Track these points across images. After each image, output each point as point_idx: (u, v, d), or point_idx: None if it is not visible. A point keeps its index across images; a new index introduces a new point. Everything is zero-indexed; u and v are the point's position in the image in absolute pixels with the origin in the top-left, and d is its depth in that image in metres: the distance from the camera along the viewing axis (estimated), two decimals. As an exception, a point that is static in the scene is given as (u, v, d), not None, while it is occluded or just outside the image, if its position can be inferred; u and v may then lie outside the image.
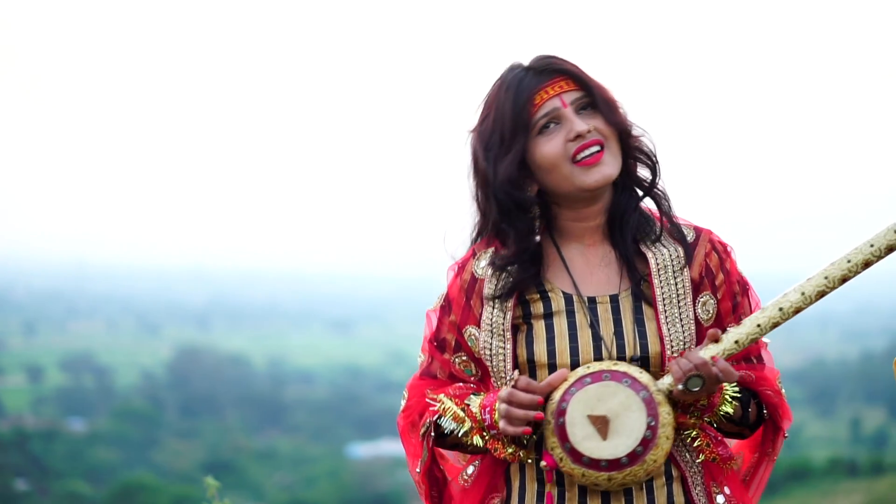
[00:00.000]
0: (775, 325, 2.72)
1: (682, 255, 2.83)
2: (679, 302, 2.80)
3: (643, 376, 2.71)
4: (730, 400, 2.78)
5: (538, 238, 2.89)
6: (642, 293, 2.83)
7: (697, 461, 2.81)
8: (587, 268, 2.88)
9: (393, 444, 58.35)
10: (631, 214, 2.86)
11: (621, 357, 2.77)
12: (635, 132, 2.87)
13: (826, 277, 2.71)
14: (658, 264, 2.82)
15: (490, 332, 2.86)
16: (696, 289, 2.82)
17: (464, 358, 2.93)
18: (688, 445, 2.81)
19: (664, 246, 2.85)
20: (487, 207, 2.88)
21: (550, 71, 2.84)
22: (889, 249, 2.71)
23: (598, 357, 2.78)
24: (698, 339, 2.80)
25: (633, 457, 2.67)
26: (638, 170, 2.90)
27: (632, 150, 2.86)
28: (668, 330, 2.78)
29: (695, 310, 2.81)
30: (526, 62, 2.88)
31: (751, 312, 2.85)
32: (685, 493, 2.81)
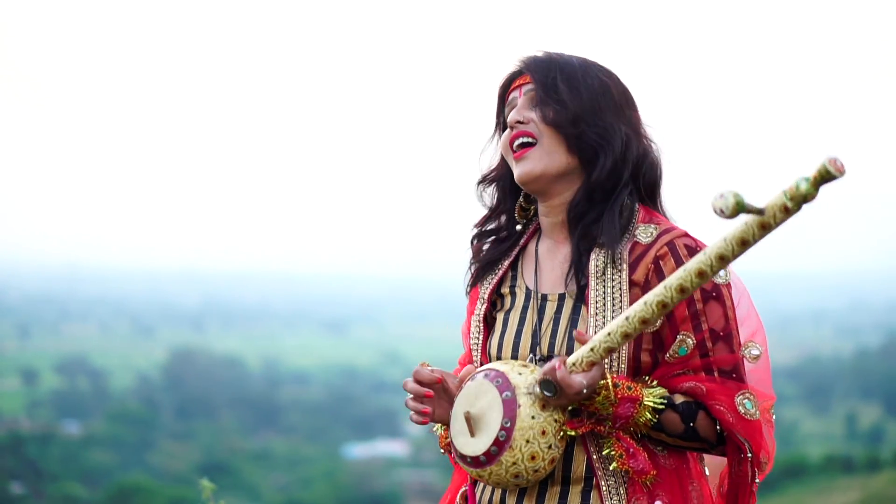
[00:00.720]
0: (625, 335, 2.61)
1: (624, 256, 2.79)
2: (612, 305, 2.77)
3: (520, 378, 2.71)
4: (650, 410, 2.70)
5: (518, 227, 2.98)
6: (584, 294, 2.81)
7: (611, 468, 2.74)
8: (551, 265, 2.90)
9: (388, 445, 58.39)
10: (586, 212, 2.84)
11: (551, 353, 2.79)
12: (609, 131, 2.82)
13: (665, 287, 2.57)
14: (597, 266, 2.80)
15: (474, 323, 2.99)
16: (643, 290, 2.75)
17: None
18: (600, 454, 2.75)
19: (615, 246, 2.80)
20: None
21: (521, 68, 2.92)
22: (743, 244, 2.52)
23: (532, 352, 2.83)
24: (634, 343, 2.76)
25: (490, 456, 2.70)
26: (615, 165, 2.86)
27: (585, 145, 2.83)
28: (596, 332, 2.74)
29: None
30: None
31: (723, 320, 2.78)
32: (601, 502, 2.76)
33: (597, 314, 2.76)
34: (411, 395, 2.86)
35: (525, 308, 2.89)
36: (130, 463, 52.59)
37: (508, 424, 2.67)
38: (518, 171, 2.84)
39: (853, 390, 70.81)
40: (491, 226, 3.00)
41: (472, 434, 2.72)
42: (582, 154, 2.83)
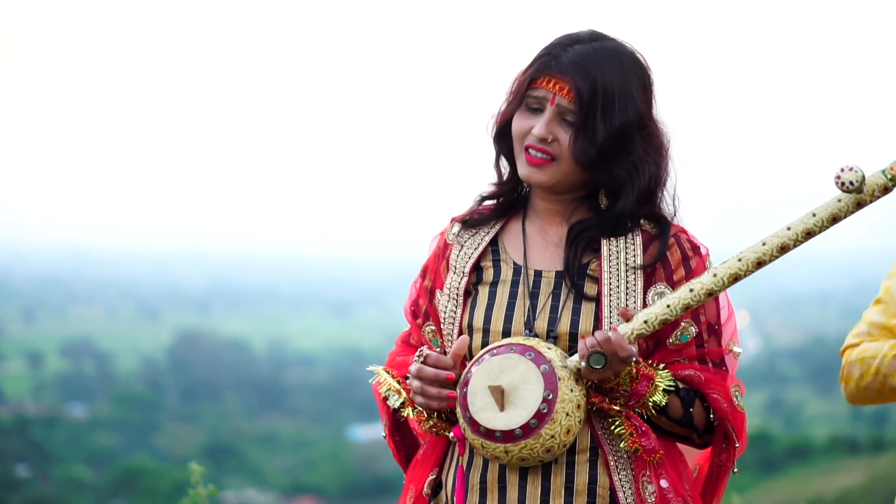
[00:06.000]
0: (686, 307, 2.67)
1: (637, 244, 2.82)
2: (626, 287, 2.79)
3: (550, 352, 2.70)
4: (661, 391, 2.74)
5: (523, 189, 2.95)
6: (588, 274, 2.82)
7: (621, 447, 2.77)
8: (543, 243, 2.89)
9: (394, 427, 58.39)
10: (594, 233, 2.84)
11: (550, 329, 2.78)
12: (628, 166, 2.80)
13: (740, 260, 2.66)
14: (609, 250, 2.82)
15: (448, 297, 2.92)
16: (649, 278, 2.81)
17: (433, 328, 2.98)
18: (611, 432, 2.77)
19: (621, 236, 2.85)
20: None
21: (566, 69, 2.80)
22: (807, 235, 2.64)
23: (528, 327, 2.79)
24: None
25: (528, 429, 2.66)
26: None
27: (602, 183, 2.84)
28: (610, 312, 2.77)
29: (645, 299, 2.79)
30: (573, 44, 2.84)
31: (716, 314, 2.85)
32: (608, 476, 2.77)
33: (609, 294, 2.78)
34: (425, 382, 2.78)
35: (514, 282, 2.86)
36: (136, 445, 52.69)
37: (550, 397, 2.65)
38: (525, 171, 2.83)
39: (859, 372, 70.74)
40: (499, 191, 2.97)
41: (502, 408, 2.67)
42: (604, 184, 2.84)
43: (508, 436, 2.67)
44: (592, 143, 2.77)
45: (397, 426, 3.05)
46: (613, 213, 2.83)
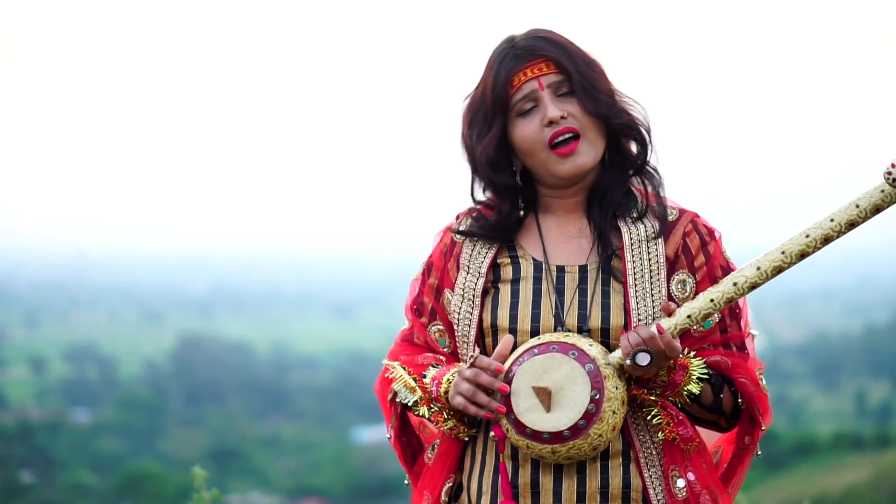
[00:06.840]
0: (729, 300, 2.68)
1: (657, 230, 2.81)
2: (651, 277, 2.77)
3: (593, 349, 2.68)
4: (696, 380, 2.74)
5: (521, 213, 2.90)
6: (612, 266, 2.80)
7: (656, 440, 2.76)
8: (561, 238, 2.87)
9: (397, 428, 58.35)
10: (614, 193, 2.84)
11: (582, 325, 2.75)
12: (627, 110, 2.83)
13: (783, 252, 2.66)
14: (632, 239, 2.80)
15: (461, 297, 2.87)
16: (672, 266, 2.80)
17: (440, 327, 2.93)
18: (647, 423, 2.76)
19: (642, 222, 2.82)
20: (475, 178, 2.91)
21: (532, 52, 2.81)
22: (850, 225, 2.64)
23: (558, 324, 2.76)
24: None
25: (576, 430, 2.64)
26: (631, 146, 2.87)
27: (621, 130, 2.83)
28: (637, 304, 2.75)
29: (669, 287, 2.78)
30: (517, 36, 2.86)
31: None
32: (640, 477, 2.76)
33: (635, 284, 2.76)
34: (475, 387, 2.71)
35: (537, 279, 2.82)
36: (140, 450, 52.66)
37: (598, 397, 2.64)
38: (567, 166, 2.79)
39: (862, 368, 70.73)
40: (496, 220, 2.90)
41: (548, 409, 2.65)
42: (613, 139, 2.83)
43: (557, 437, 2.65)
44: (598, 89, 2.79)
45: (404, 427, 3.01)
46: (628, 161, 2.84)
